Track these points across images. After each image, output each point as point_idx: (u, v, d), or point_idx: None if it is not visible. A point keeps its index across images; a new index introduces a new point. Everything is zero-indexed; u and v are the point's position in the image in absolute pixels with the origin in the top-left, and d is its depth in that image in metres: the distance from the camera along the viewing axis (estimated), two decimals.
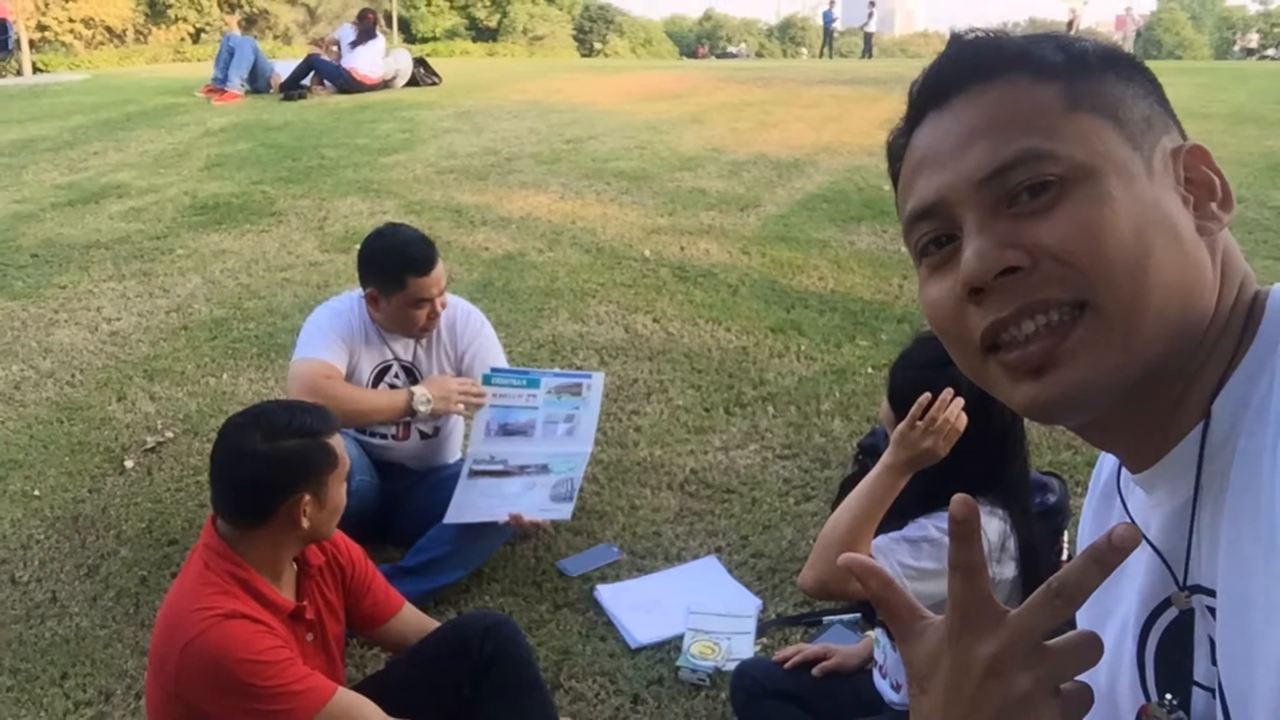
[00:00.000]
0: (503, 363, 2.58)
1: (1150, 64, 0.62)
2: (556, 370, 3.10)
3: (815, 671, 1.79)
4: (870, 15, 27.05)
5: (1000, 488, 1.51)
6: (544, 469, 2.43)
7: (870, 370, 3.43)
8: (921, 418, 1.44)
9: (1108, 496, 0.69)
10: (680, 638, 2.17)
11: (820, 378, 3.41)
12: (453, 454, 2.66)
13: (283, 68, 9.17)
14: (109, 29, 27.75)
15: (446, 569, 2.32)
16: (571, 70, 12.85)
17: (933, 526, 1.48)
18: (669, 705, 2.00)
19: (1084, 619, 0.66)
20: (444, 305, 2.43)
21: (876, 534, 1.50)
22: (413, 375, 2.50)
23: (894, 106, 0.63)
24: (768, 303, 4.05)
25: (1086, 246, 0.54)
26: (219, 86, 8.77)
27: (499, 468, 2.40)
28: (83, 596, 2.35)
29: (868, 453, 2.42)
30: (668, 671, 2.09)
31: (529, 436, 2.45)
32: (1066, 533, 1.82)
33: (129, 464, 2.94)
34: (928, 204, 0.59)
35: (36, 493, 2.79)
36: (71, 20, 26.62)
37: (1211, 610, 0.57)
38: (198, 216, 5.26)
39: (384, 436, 2.53)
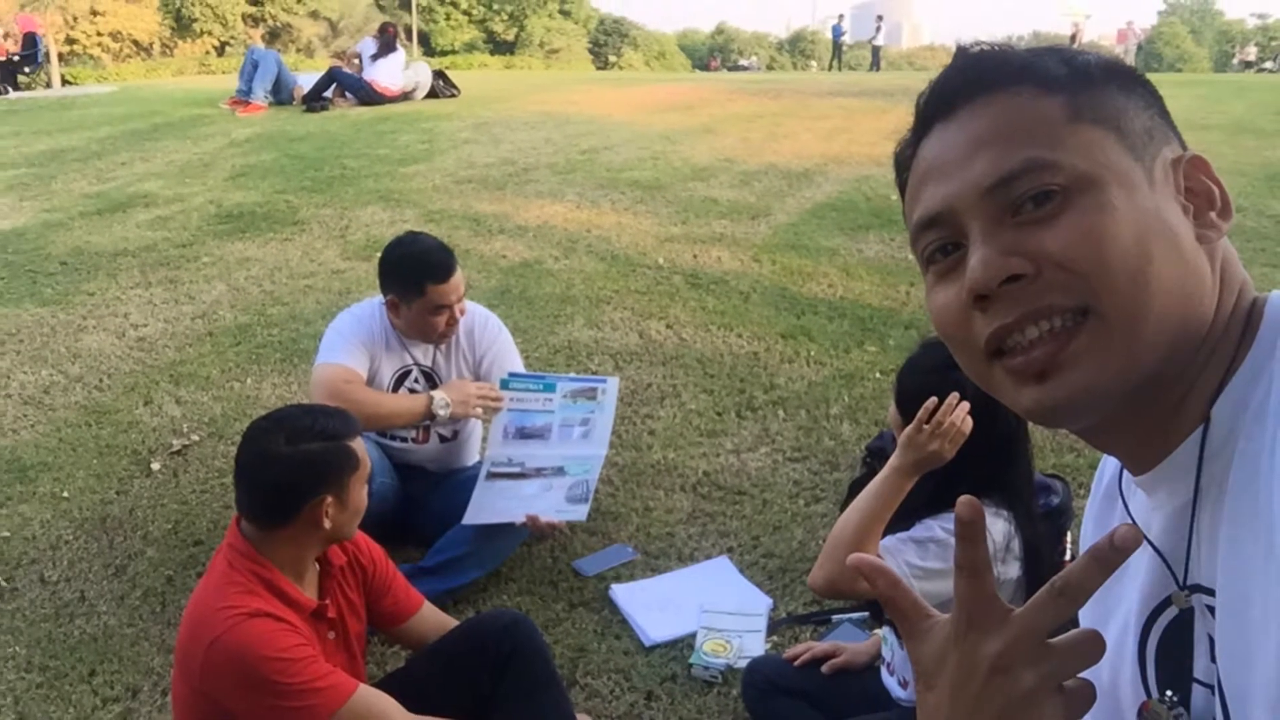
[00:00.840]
0: (520, 368, 2.62)
1: (1151, 76, 0.63)
2: (572, 375, 3.13)
3: (825, 669, 1.81)
4: (878, 29, 27.10)
5: (1005, 489, 1.53)
6: (560, 471, 2.46)
7: (878, 375, 3.45)
8: (928, 421, 1.46)
9: (1110, 498, 0.70)
10: (693, 636, 2.19)
11: (829, 382, 3.43)
12: (471, 457, 2.70)
13: (305, 80, 9.29)
14: (136, 42, 28.21)
15: (465, 569, 2.35)
16: (587, 82, 12.93)
17: (939, 527, 1.49)
18: (682, 702, 2.03)
19: (1086, 618, 0.66)
20: (462, 312, 2.47)
21: (884, 535, 1.51)
22: (432, 380, 2.54)
23: (901, 118, 0.64)
24: (778, 309, 4.08)
25: (1089, 254, 0.55)
26: (243, 98, 8.90)
27: (516, 470, 2.43)
28: (110, 595, 2.40)
29: (876, 455, 2.45)
30: (681, 669, 2.12)
31: (545, 440, 2.48)
32: (1070, 533, 1.84)
33: (155, 466, 3.00)
34: (934, 213, 0.60)
35: (65, 494, 2.85)
36: (99, 34, 27.08)
37: (1211, 609, 0.58)
38: (222, 225, 5.35)
39: (404, 440, 2.56)
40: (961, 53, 0.63)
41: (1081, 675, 0.54)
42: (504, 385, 2.48)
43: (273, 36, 29.68)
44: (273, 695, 1.50)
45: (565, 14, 42.23)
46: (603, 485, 2.75)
